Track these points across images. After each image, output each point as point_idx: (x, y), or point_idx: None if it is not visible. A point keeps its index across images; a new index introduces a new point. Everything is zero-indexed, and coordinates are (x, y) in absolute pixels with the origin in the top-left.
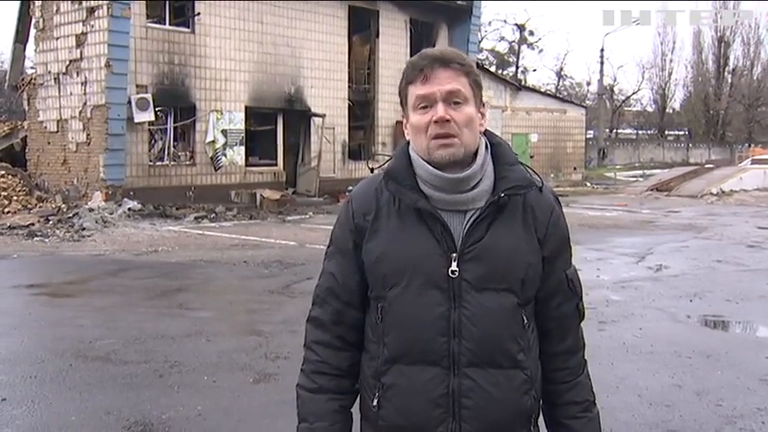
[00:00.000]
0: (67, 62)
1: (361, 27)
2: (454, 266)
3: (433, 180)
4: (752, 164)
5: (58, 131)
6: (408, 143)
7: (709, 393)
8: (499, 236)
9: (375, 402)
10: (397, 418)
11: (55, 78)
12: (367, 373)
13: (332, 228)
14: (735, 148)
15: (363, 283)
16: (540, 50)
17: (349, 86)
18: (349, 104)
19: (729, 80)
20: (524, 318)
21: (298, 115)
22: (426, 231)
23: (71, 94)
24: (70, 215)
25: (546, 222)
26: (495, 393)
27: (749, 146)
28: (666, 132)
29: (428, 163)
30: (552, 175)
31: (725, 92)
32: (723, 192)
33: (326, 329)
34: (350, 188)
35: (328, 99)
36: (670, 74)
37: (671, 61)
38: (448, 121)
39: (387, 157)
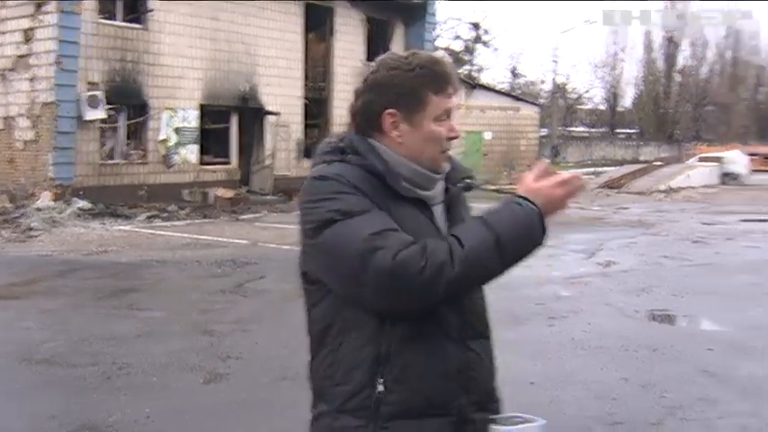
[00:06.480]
0: (15, 58)
1: (318, 24)
2: None
3: (418, 178)
4: (699, 161)
5: (4, 129)
6: (367, 142)
7: (655, 386)
8: (458, 222)
9: (381, 388)
10: (412, 399)
11: (1, 74)
12: (358, 358)
13: (316, 209)
14: (683, 146)
15: None
16: (495, 49)
17: (305, 84)
18: (305, 102)
19: (678, 80)
20: None
21: (252, 113)
22: (427, 221)
23: (18, 90)
24: (17, 215)
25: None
26: (487, 362)
27: (697, 144)
28: (618, 130)
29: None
30: (506, 173)
31: (674, 91)
32: (671, 189)
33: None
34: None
35: (283, 97)
36: (621, 73)
37: (622, 60)
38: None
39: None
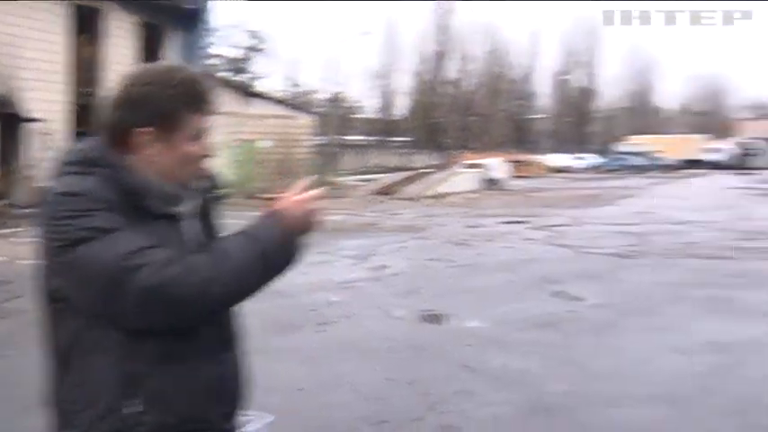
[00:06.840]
0: None
1: (88, 27)
2: None
3: (168, 197)
4: (464, 168)
5: None
6: (119, 156)
7: (419, 384)
8: (213, 234)
9: (133, 408)
10: (166, 418)
11: None
12: (108, 379)
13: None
14: (451, 153)
15: None
16: (274, 57)
17: (75, 90)
18: (76, 109)
19: (447, 91)
20: None
21: (11, 120)
22: (179, 237)
23: None
24: None
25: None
26: (237, 372)
27: (463, 152)
28: (392, 139)
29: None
30: (281, 181)
31: (444, 102)
32: (439, 194)
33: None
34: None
35: (48, 102)
36: (395, 83)
37: (396, 71)
38: None
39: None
